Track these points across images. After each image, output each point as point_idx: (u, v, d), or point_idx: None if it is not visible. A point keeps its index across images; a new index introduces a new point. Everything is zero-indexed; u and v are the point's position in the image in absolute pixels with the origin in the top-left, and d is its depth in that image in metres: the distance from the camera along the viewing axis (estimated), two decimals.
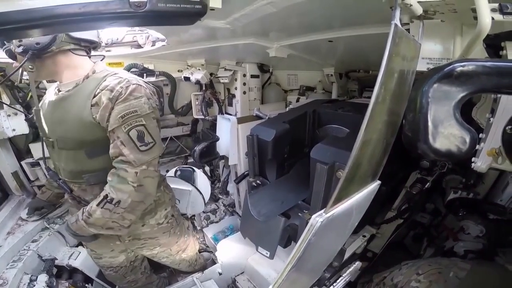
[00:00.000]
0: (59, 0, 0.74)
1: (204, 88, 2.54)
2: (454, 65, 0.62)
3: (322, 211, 0.61)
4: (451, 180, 1.72)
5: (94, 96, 1.23)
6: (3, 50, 1.29)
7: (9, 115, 1.97)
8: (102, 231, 1.33)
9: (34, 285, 1.65)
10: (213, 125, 2.83)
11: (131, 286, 1.93)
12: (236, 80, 2.52)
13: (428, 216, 2.08)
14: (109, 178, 1.26)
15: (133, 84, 1.24)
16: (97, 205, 1.24)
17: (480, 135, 0.92)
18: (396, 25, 0.60)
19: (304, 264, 0.68)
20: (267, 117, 2.43)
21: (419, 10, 0.78)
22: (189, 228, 1.92)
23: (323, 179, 1.25)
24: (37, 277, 1.71)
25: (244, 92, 2.56)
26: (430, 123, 0.65)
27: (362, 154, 0.68)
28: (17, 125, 2.01)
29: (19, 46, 1.18)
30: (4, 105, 1.91)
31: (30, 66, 1.24)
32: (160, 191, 1.59)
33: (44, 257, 1.88)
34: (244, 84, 2.54)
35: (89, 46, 1.42)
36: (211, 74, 2.49)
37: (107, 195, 1.23)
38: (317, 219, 0.60)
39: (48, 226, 2.05)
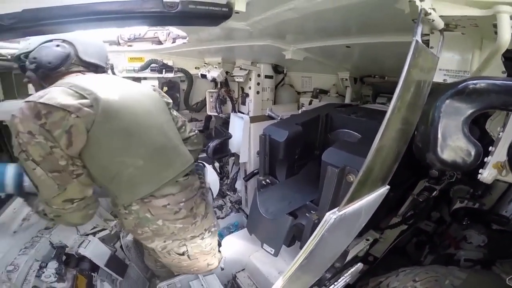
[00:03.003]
0: None
1: (219, 86, 2.60)
2: (467, 83, 0.66)
3: (336, 209, 0.65)
4: (458, 190, 1.74)
5: None
6: (18, 65, 1.36)
7: None
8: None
9: (44, 272, 1.70)
10: (225, 123, 2.88)
11: (156, 266, 2.01)
12: (250, 79, 2.57)
13: (432, 224, 2.09)
14: None
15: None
16: (37, 211, 1.28)
17: (490, 148, 0.94)
18: (417, 41, 0.62)
19: (313, 258, 0.72)
20: (279, 118, 2.47)
21: (440, 24, 0.80)
22: (209, 266, 1.77)
23: (333, 181, 1.28)
24: (47, 264, 1.76)
25: (258, 92, 2.60)
26: (439, 136, 0.71)
27: (375, 159, 0.71)
28: None
29: (32, 63, 1.24)
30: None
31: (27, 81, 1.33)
32: (156, 224, 1.40)
33: (55, 244, 1.93)
34: (258, 84, 2.58)
35: (96, 70, 1.43)
36: (226, 73, 2.54)
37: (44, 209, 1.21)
38: (331, 216, 0.64)
39: None
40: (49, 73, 1.27)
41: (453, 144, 0.72)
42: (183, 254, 1.54)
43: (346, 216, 0.69)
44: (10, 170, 1.27)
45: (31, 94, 1.28)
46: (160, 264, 1.92)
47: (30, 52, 1.27)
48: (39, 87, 1.31)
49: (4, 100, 2.00)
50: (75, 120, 1.08)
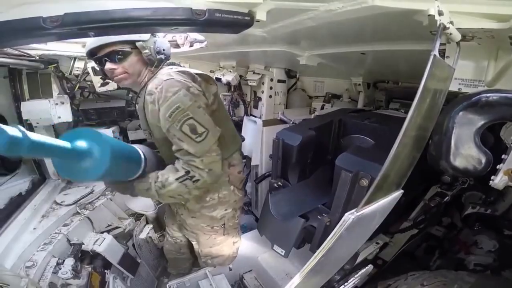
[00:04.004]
0: (132, 3, 0.86)
1: (232, 89, 2.66)
2: (480, 96, 0.71)
3: (354, 210, 0.69)
4: (471, 196, 1.75)
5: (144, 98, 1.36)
6: (94, 59, 1.40)
7: (56, 104, 2.13)
8: (165, 200, 1.43)
9: (60, 268, 1.73)
10: (237, 126, 2.93)
11: (178, 253, 2.08)
12: (263, 83, 2.61)
13: (443, 229, 2.09)
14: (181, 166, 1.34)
15: (165, 80, 1.26)
16: (176, 179, 1.30)
17: (503, 156, 0.96)
18: (435, 55, 0.66)
19: (330, 256, 0.76)
20: (291, 122, 2.50)
21: (458, 37, 0.83)
22: (235, 244, 1.91)
23: (346, 186, 1.31)
24: (64, 260, 1.78)
25: (270, 96, 2.64)
26: (452, 145, 0.77)
27: (392, 165, 0.75)
28: (63, 113, 2.16)
29: (161, 54, 1.40)
30: (53, 94, 2.10)
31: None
32: (228, 190, 1.62)
33: (72, 241, 1.97)
34: (271, 88, 2.63)
35: None
36: (240, 76, 2.59)
37: (189, 171, 1.29)
38: (350, 216, 0.68)
39: (79, 211, 2.15)
40: (162, 63, 1.46)
41: (465, 153, 0.78)
42: (223, 226, 1.72)
43: (363, 217, 0.73)
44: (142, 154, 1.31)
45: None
46: (183, 257, 2.02)
47: (144, 41, 1.38)
48: (131, 76, 1.42)
49: (30, 100, 2.10)
50: (216, 89, 1.48)
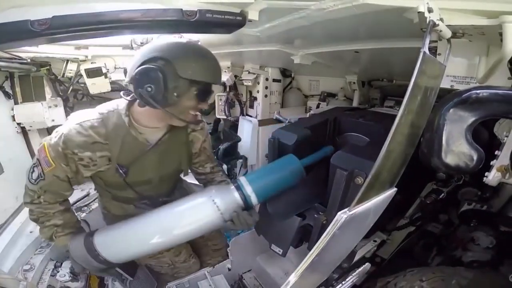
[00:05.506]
0: (122, 5, 0.86)
1: (228, 90, 2.65)
2: (471, 92, 0.71)
3: (347, 209, 0.69)
4: (466, 192, 1.75)
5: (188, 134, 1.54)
6: None
7: (50, 107, 2.13)
8: None
9: (58, 271, 1.74)
10: (233, 126, 2.93)
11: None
12: (258, 83, 2.61)
13: (440, 226, 2.10)
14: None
15: None
16: None
17: (496, 152, 0.96)
18: (424, 52, 0.66)
19: (324, 255, 0.76)
20: (287, 121, 2.50)
21: (448, 34, 0.83)
22: None
23: (341, 184, 1.31)
24: (61, 263, 1.79)
25: (266, 96, 2.64)
26: (444, 142, 0.77)
27: (384, 163, 0.75)
28: (57, 116, 2.16)
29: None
30: (46, 97, 2.09)
31: None
32: None
33: None
34: (266, 87, 2.62)
35: None
36: (235, 76, 2.59)
37: None
38: (342, 215, 0.68)
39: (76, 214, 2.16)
40: None
41: (456, 150, 0.78)
42: None
43: (356, 216, 0.73)
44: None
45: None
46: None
47: None
48: None
49: (22, 103, 2.09)
50: None
